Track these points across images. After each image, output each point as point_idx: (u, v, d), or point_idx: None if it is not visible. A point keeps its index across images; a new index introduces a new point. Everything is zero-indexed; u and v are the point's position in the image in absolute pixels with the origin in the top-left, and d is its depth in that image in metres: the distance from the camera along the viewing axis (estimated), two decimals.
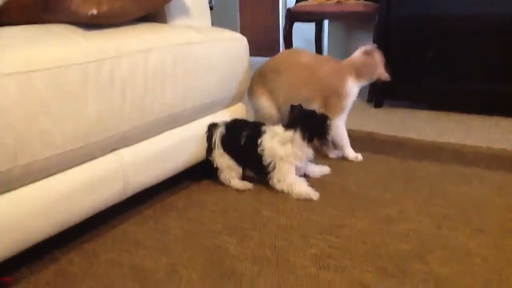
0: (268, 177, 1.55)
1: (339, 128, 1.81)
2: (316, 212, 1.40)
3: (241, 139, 1.54)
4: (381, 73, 1.81)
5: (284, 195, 1.51)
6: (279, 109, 1.84)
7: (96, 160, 1.20)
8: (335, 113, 1.78)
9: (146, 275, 1.09)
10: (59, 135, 1.04)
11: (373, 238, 1.24)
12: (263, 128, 1.57)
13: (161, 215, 1.40)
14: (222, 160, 1.57)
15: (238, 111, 1.75)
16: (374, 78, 1.82)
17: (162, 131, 1.42)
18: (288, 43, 3.24)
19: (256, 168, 1.57)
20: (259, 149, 1.52)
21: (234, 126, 1.59)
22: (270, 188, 1.57)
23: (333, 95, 1.77)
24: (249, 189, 1.56)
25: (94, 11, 1.16)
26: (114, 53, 1.16)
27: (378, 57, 1.81)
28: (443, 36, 2.48)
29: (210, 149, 1.58)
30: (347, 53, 3.70)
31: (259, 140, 1.53)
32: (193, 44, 1.45)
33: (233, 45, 1.64)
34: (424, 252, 1.16)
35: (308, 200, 1.47)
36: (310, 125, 1.53)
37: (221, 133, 1.56)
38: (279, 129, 1.54)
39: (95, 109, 1.12)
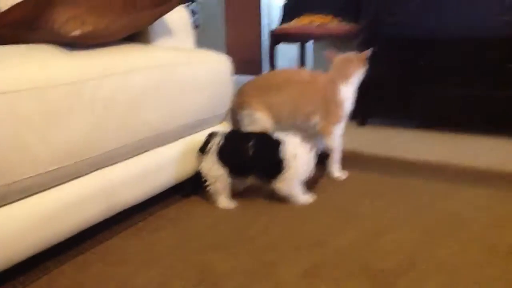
0: (273, 182, 1.56)
1: (338, 138, 1.86)
2: (302, 227, 1.40)
3: (248, 147, 1.53)
4: (359, 66, 1.88)
5: (272, 210, 1.52)
6: (275, 123, 1.88)
7: (82, 178, 1.20)
8: (334, 122, 1.83)
9: None
10: (45, 154, 1.04)
11: (362, 251, 1.25)
12: (276, 135, 1.59)
13: (150, 229, 1.40)
14: (213, 170, 1.54)
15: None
16: (359, 74, 1.88)
17: (147, 150, 1.42)
18: (272, 64, 3.28)
19: (264, 174, 1.57)
20: (280, 155, 1.53)
21: (235, 135, 1.61)
22: (257, 203, 1.58)
23: (331, 104, 1.83)
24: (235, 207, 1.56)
25: (77, 32, 1.17)
26: (98, 74, 1.17)
27: (353, 56, 1.90)
28: (427, 53, 2.53)
29: (201, 158, 1.56)
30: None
31: (281, 147, 1.54)
32: (176, 65, 1.46)
33: (216, 66, 1.66)
34: (413, 264, 1.17)
35: (296, 215, 1.48)
36: None
37: (219, 142, 1.54)
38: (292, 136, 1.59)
39: (79, 128, 1.12)
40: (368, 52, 1.90)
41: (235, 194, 1.60)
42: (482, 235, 1.33)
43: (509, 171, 1.85)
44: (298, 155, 1.55)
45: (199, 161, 1.58)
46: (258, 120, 1.86)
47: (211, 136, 1.57)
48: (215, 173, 1.54)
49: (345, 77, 1.85)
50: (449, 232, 1.35)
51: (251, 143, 1.53)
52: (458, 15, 2.42)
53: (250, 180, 1.60)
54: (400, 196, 1.63)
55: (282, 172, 1.53)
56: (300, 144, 1.57)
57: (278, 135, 1.59)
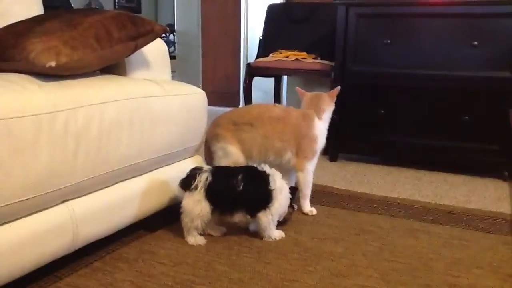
0: (258, 216, 1.56)
1: (310, 174, 1.89)
2: (268, 266, 1.40)
3: (238, 181, 1.52)
4: (330, 103, 1.96)
5: (237, 248, 1.51)
6: (247, 158, 1.89)
7: (46, 211, 1.18)
8: (308, 157, 1.86)
9: None
10: (8, 186, 1.02)
11: None
12: (261, 167, 1.61)
13: (110, 267, 1.37)
14: (199, 207, 1.50)
15: (195, 163, 1.76)
16: (330, 111, 1.95)
17: (116, 182, 1.41)
18: (248, 96, 3.32)
19: (252, 207, 1.56)
20: (269, 187, 1.56)
21: (221, 171, 1.59)
22: (224, 240, 1.57)
23: (305, 139, 1.86)
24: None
25: (53, 63, 1.17)
26: (70, 105, 1.17)
27: (324, 93, 1.98)
28: (394, 92, 2.62)
29: (185, 194, 1.53)
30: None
31: (270, 179, 1.57)
32: (151, 97, 1.47)
33: (191, 99, 1.68)
34: None
35: (261, 253, 1.48)
36: None
37: (207, 178, 1.51)
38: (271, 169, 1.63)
39: (47, 160, 1.11)
40: (337, 91, 1.96)
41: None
42: (444, 274, 1.36)
43: (473, 210, 1.91)
44: (283, 188, 1.59)
45: (182, 197, 1.55)
46: (231, 154, 1.87)
47: (195, 172, 1.53)
48: (201, 210, 1.51)
49: (319, 113, 1.91)
50: (412, 271, 1.36)
51: (239, 177, 1.53)
52: (425, 64, 2.54)
53: (236, 217, 1.57)
54: (366, 234, 1.65)
55: (269, 205, 1.55)
56: (281, 177, 1.62)
57: (263, 167, 1.61)
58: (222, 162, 1.87)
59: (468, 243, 1.61)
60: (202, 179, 1.51)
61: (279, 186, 1.58)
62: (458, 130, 2.51)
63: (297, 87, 2.05)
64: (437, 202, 2.07)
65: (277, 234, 1.61)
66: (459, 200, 2.11)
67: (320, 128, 1.90)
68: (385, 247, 1.55)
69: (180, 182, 1.55)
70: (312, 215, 1.85)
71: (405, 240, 1.62)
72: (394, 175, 2.55)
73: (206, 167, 1.58)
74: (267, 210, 1.55)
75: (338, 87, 1.97)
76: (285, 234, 1.64)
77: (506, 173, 2.47)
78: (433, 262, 1.45)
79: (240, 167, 1.68)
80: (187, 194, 1.52)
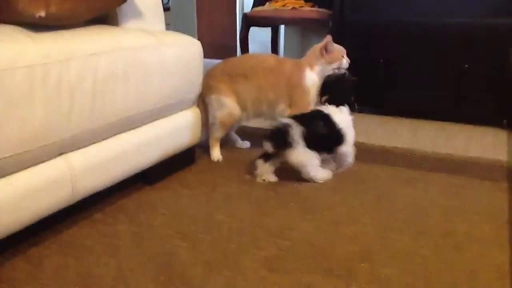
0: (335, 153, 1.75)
1: None
2: (267, 215, 1.42)
3: (320, 128, 1.67)
4: (337, 57, 1.89)
5: (237, 199, 1.53)
6: (243, 109, 1.89)
7: (43, 164, 1.17)
8: (301, 108, 1.83)
9: (93, 281, 1.08)
10: (3, 139, 1.01)
11: (321, 240, 1.27)
12: (325, 111, 1.73)
13: (111, 218, 1.39)
14: (306, 157, 1.62)
15: (192, 115, 1.75)
16: (333, 65, 1.88)
17: (113, 135, 1.40)
18: (244, 47, 3.26)
19: (332, 146, 1.73)
20: (339, 127, 1.70)
21: (304, 120, 1.66)
22: (223, 191, 1.58)
23: (296, 90, 1.84)
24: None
25: (42, 13, 1.13)
26: (63, 56, 1.15)
27: (336, 47, 1.91)
28: (393, 41, 2.57)
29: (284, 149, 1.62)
30: (302, 57, 3.76)
31: (336, 120, 1.71)
32: (145, 48, 1.44)
33: (186, 49, 1.64)
34: (369, 253, 1.21)
35: (260, 203, 1.49)
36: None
37: (301, 131, 1.60)
38: (331, 107, 1.75)
39: (42, 113, 1.09)
40: (325, 41, 1.87)
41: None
42: (441, 221, 1.38)
43: (470, 158, 1.92)
44: (348, 120, 1.77)
45: (285, 154, 1.62)
46: (226, 105, 1.85)
47: (283, 128, 1.61)
48: (312, 158, 1.63)
49: (310, 63, 1.87)
50: (409, 218, 1.38)
51: (321, 122, 1.68)
52: (424, 11, 2.47)
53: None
54: (363, 183, 1.66)
55: (343, 140, 1.73)
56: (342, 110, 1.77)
57: (322, 109, 1.75)
58: (217, 113, 1.86)
59: (465, 191, 1.62)
60: (297, 132, 1.59)
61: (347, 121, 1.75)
62: (458, 78, 2.48)
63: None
64: (435, 151, 2.07)
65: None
66: (457, 149, 2.12)
67: (312, 78, 1.86)
68: (382, 196, 1.57)
69: (272, 142, 1.62)
70: None
71: (402, 189, 1.63)
72: (392, 124, 2.55)
73: (287, 120, 1.64)
74: (344, 145, 1.73)
75: (327, 37, 1.89)
76: (284, 184, 1.65)
77: (504, 121, 2.47)
78: (429, 210, 1.47)
79: (310, 113, 1.75)
80: (288, 151, 1.60)
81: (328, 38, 1.87)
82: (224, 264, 1.15)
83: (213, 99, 1.86)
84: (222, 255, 1.19)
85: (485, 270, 1.14)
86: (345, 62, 1.90)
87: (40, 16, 1.13)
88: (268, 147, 1.63)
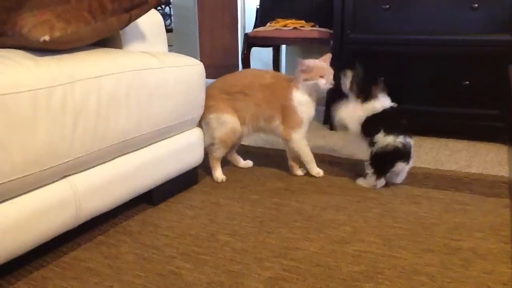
0: None
1: (300, 143, 1.89)
2: (271, 235, 1.41)
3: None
4: (313, 76, 1.84)
5: (240, 219, 1.53)
6: (242, 124, 1.90)
7: (47, 186, 1.18)
8: (293, 127, 1.85)
9: None
10: (7, 163, 1.02)
11: (326, 260, 1.26)
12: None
13: (114, 240, 1.38)
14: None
15: (195, 135, 1.76)
16: (309, 83, 1.84)
17: (116, 157, 1.41)
18: (247, 67, 3.29)
19: None
20: None
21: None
22: (227, 211, 1.58)
23: (287, 109, 1.85)
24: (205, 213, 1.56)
25: (47, 37, 1.15)
26: (67, 80, 1.16)
27: (315, 65, 1.86)
28: (394, 59, 2.59)
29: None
30: None
31: None
32: (148, 70, 1.45)
33: (189, 71, 1.66)
34: (375, 272, 1.20)
35: (263, 223, 1.49)
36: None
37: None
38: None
39: (45, 136, 1.10)
40: (299, 63, 1.86)
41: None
42: (446, 238, 1.37)
43: (473, 174, 1.91)
44: None
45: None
46: (227, 122, 1.86)
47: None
48: None
49: (296, 82, 1.87)
50: (414, 236, 1.37)
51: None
52: (424, 29, 2.50)
53: None
54: (367, 201, 1.65)
55: None
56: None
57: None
58: (217, 132, 1.86)
59: (469, 207, 1.61)
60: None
61: None
62: (458, 95, 2.49)
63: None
64: (438, 168, 2.07)
65: None
66: (460, 165, 2.12)
67: (297, 98, 1.84)
68: (387, 214, 1.56)
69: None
70: (313, 183, 1.85)
71: (407, 206, 1.62)
72: None
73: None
74: None
75: (326, 55, 1.94)
76: (287, 203, 1.65)
77: (506, 137, 2.47)
78: (434, 227, 1.46)
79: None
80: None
81: (326, 56, 1.92)
82: (228, 285, 1.14)
83: (212, 118, 1.87)
84: (226, 276, 1.19)
85: (492, 287, 1.13)
86: (322, 82, 1.83)
87: (44, 41, 1.14)
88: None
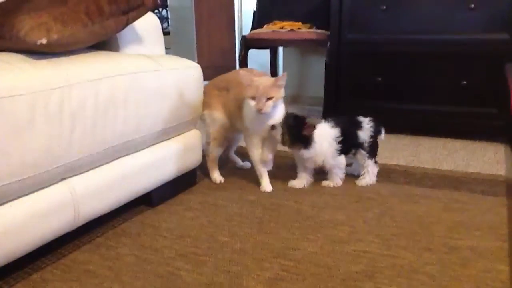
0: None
1: (248, 149, 1.84)
2: (270, 235, 1.41)
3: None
4: (247, 96, 1.68)
5: (238, 220, 1.53)
6: (229, 120, 1.87)
7: (45, 189, 1.18)
8: (243, 131, 1.83)
9: None
10: (4, 166, 1.02)
11: (325, 260, 1.26)
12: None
13: (113, 242, 1.38)
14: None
15: (193, 137, 1.76)
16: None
17: (114, 159, 1.41)
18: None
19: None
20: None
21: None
22: (225, 212, 1.58)
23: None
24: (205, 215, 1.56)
25: (44, 40, 1.15)
26: (64, 83, 1.16)
27: (251, 82, 1.67)
28: (391, 59, 2.60)
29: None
30: (301, 77, 3.79)
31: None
32: (145, 72, 1.46)
33: (186, 73, 1.66)
34: (374, 272, 1.20)
35: (262, 224, 1.49)
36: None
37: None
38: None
39: (43, 139, 1.10)
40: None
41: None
42: (445, 237, 1.37)
43: (472, 174, 1.92)
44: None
45: None
46: (217, 119, 1.86)
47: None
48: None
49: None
50: (412, 235, 1.38)
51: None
52: (421, 29, 2.51)
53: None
54: (366, 201, 1.66)
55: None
56: None
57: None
58: (210, 128, 1.87)
59: (468, 206, 1.62)
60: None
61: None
62: (456, 95, 2.49)
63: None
64: (436, 167, 2.08)
65: None
66: (458, 165, 2.12)
67: (245, 107, 1.74)
68: (385, 213, 1.56)
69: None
70: (311, 183, 1.85)
71: (405, 206, 1.63)
72: (393, 142, 2.55)
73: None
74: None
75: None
76: (285, 204, 1.65)
77: (504, 137, 2.47)
78: (433, 226, 1.46)
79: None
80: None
81: (281, 77, 1.67)
82: (227, 286, 1.14)
83: (206, 115, 1.86)
84: (225, 276, 1.19)
85: (491, 286, 1.13)
86: (251, 104, 1.65)
87: (41, 43, 1.15)
88: None
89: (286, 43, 3.22)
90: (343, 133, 1.78)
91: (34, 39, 1.14)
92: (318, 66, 3.65)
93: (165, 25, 5.67)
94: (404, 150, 2.39)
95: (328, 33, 2.79)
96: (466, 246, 1.33)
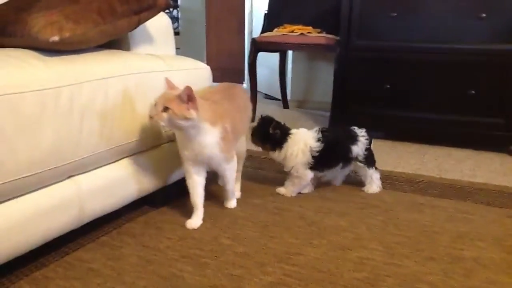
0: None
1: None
2: (273, 239, 1.41)
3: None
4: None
5: (242, 223, 1.53)
6: None
7: (52, 186, 1.18)
8: None
9: None
10: (13, 162, 1.02)
11: (328, 266, 1.26)
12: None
13: (117, 241, 1.39)
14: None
15: None
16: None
17: (120, 158, 1.41)
18: (253, 71, 3.30)
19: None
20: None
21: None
22: (229, 215, 1.59)
23: None
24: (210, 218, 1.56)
25: (56, 38, 1.16)
26: (74, 80, 1.17)
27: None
28: (399, 67, 2.60)
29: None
30: (309, 82, 3.80)
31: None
32: (155, 72, 1.46)
33: (195, 74, 1.67)
34: (377, 280, 1.19)
35: (266, 228, 1.49)
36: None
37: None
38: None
39: (51, 136, 1.11)
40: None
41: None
42: (449, 247, 1.37)
43: (478, 184, 1.91)
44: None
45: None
46: None
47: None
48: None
49: None
50: (416, 244, 1.37)
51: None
52: (430, 37, 2.50)
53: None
54: (370, 208, 1.65)
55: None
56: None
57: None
58: None
59: (473, 217, 1.61)
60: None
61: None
62: (464, 104, 2.48)
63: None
64: (442, 176, 2.07)
65: None
66: (464, 174, 2.11)
67: None
68: (390, 221, 1.56)
69: None
70: (316, 190, 1.85)
71: (410, 214, 1.62)
72: (399, 149, 2.55)
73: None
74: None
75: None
76: (289, 208, 1.65)
77: (511, 147, 2.46)
78: (437, 236, 1.45)
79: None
80: None
81: (185, 89, 1.33)
82: None
83: None
84: (227, 280, 1.19)
85: None
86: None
87: (54, 41, 1.15)
88: None
89: (295, 47, 3.22)
90: (329, 147, 1.73)
91: (47, 37, 1.15)
92: (326, 72, 3.66)
93: (175, 25, 5.69)
94: (410, 158, 2.38)
95: (338, 38, 2.79)
96: (470, 256, 1.32)
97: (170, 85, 1.39)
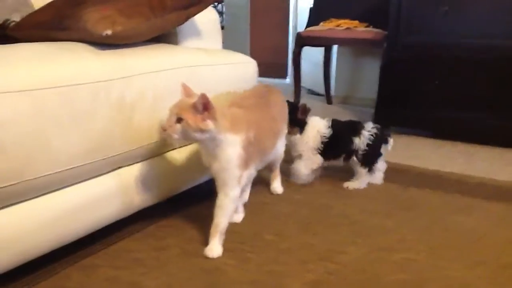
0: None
1: None
2: (316, 237, 1.41)
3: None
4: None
5: (284, 219, 1.52)
6: None
7: (99, 177, 1.22)
8: None
9: None
10: (66, 152, 1.06)
11: (371, 266, 1.24)
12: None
13: (162, 233, 1.41)
14: None
15: None
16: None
17: (168, 151, 1.44)
18: (297, 66, 3.28)
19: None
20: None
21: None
22: (271, 210, 1.59)
23: None
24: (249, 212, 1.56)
25: (109, 32, 1.19)
26: (125, 73, 1.19)
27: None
28: (449, 63, 2.51)
29: None
30: (354, 78, 3.74)
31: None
32: (202, 66, 1.48)
33: (242, 68, 1.67)
34: (421, 282, 1.17)
35: (308, 224, 1.48)
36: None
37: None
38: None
39: (102, 128, 1.14)
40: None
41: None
42: (498, 252, 1.32)
43: None
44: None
45: None
46: None
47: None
48: None
49: None
50: (464, 248, 1.33)
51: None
52: (481, 33, 2.40)
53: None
54: (416, 209, 1.62)
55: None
56: None
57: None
58: None
59: None
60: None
61: None
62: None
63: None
64: (492, 178, 1.99)
65: None
66: None
67: None
68: (436, 223, 1.52)
69: None
70: (361, 189, 1.82)
71: (457, 216, 1.57)
72: (447, 149, 2.47)
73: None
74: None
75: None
76: (333, 206, 1.64)
77: None
78: (486, 239, 1.41)
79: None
80: None
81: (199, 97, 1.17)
82: (271, 285, 1.15)
83: None
84: (269, 275, 1.19)
85: None
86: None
87: (107, 35, 1.18)
88: None
89: (341, 41, 3.18)
90: (335, 136, 1.80)
91: (100, 31, 1.18)
92: (371, 68, 3.59)
93: (220, 19, 5.73)
94: (458, 158, 2.31)
95: (385, 33, 2.73)
96: None
97: (187, 91, 1.25)
